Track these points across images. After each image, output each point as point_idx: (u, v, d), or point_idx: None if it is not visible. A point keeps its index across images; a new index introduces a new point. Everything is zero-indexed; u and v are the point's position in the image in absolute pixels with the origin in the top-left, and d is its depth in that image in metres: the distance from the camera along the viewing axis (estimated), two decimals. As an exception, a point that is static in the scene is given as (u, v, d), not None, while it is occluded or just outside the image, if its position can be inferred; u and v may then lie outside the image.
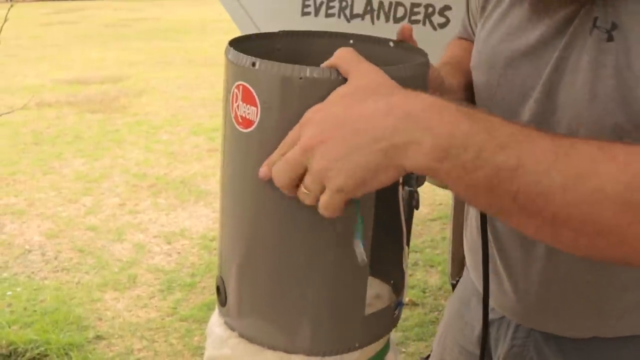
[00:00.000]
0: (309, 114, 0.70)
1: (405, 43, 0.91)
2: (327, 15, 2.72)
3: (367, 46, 0.90)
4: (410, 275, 3.79)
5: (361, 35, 0.93)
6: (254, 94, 0.73)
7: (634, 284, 1.01)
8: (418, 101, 0.66)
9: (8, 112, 4.37)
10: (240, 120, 0.76)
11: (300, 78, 0.71)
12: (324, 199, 0.69)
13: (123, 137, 6.86)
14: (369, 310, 0.85)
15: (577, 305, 1.05)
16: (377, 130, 0.65)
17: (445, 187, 0.69)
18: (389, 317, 0.87)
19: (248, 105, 0.74)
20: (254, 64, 0.73)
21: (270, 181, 0.74)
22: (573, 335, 1.08)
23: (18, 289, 3.77)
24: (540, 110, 0.95)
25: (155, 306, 3.61)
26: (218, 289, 0.88)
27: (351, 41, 0.92)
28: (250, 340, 0.85)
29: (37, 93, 8.63)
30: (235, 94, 0.76)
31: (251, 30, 3.02)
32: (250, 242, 0.82)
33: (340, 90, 0.70)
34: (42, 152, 6.33)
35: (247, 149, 0.76)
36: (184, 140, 6.76)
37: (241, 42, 0.84)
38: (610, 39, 0.86)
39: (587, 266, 1.01)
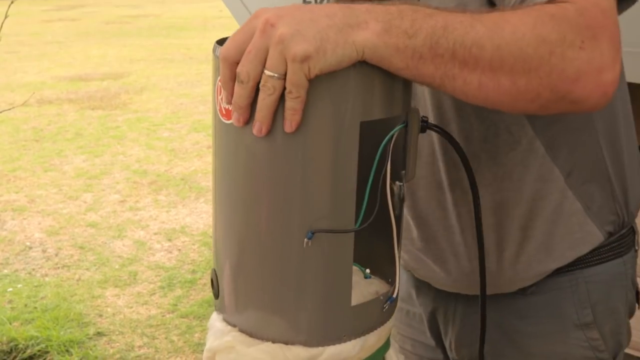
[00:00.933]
0: (254, 14, 0.73)
1: None
2: None
3: None
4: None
5: None
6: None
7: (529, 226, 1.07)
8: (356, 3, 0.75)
9: (8, 109, 4.37)
10: (224, 112, 0.78)
11: None
12: (287, 77, 0.71)
13: (124, 134, 6.87)
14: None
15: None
16: (329, 10, 0.72)
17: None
18: (378, 310, 0.87)
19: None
20: None
21: (258, 173, 0.76)
22: (503, 290, 1.13)
23: (19, 286, 3.77)
24: None
25: (156, 303, 3.62)
26: (212, 282, 0.89)
27: None
28: (244, 332, 0.85)
29: (38, 90, 8.64)
30: (219, 87, 0.78)
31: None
32: (241, 235, 0.83)
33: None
34: (43, 149, 6.34)
35: (232, 140, 0.78)
36: (185, 137, 6.77)
37: None
38: None
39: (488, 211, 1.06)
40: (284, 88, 0.71)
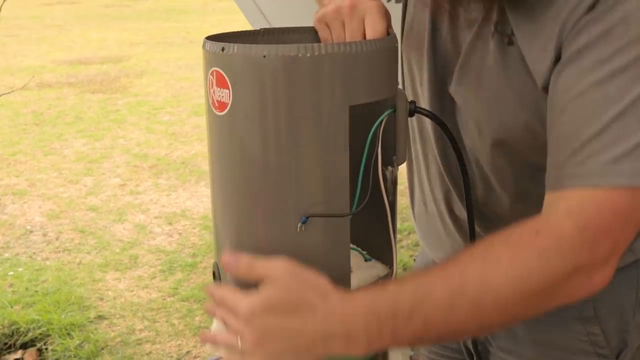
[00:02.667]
0: (262, 298, 0.78)
1: None
2: None
3: None
4: (411, 256, 3.80)
5: None
6: (225, 77, 0.78)
7: None
8: (336, 310, 0.77)
9: (8, 93, 4.36)
10: (216, 105, 0.80)
11: (264, 56, 0.74)
12: None
13: (124, 117, 6.85)
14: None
15: None
16: (306, 334, 0.77)
17: None
18: None
19: (222, 89, 0.78)
20: (223, 49, 0.77)
21: (251, 161, 0.78)
22: None
23: (20, 269, 3.78)
24: (459, 100, 1.01)
25: (157, 286, 3.62)
26: (214, 274, 0.91)
27: None
28: None
29: (38, 74, 8.62)
30: (210, 80, 0.80)
31: (259, 19, 3.01)
32: (238, 223, 0.84)
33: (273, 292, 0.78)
34: (43, 133, 6.33)
35: (225, 130, 0.80)
36: (185, 120, 6.75)
37: (224, 38, 0.88)
38: (510, 42, 0.90)
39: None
40: None
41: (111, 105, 7.31)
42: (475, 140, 1.01)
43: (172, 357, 2.98)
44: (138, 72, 8.85)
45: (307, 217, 0.78)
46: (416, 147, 1.16)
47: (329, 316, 0.76)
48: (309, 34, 0.95)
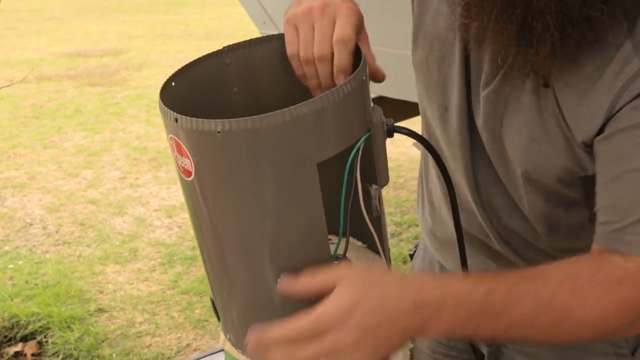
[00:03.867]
0: (344, 299, 0.75)
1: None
2: None
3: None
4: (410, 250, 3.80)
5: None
6: (184, 147, 0.74)
7: None
8: (428, 290, 0.79)
9: (7, 85, 4.36)
10: (182, 170, 0.77)
11: (219, 132, 0.69)
12: None
13: (123, 110, 6.84)
14: None
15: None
16: (404, 333, 0.77)
17: None
18: None
19: (183, 157, 0.75)
20: (176, 120, 0.72)
21: (226, 224, 0.77)
22: None
23: (20, 262, 3.78)
24: (491, 147, 1.01)
25: (157, 279, 3.63)
26: (212, 302, 0.92)
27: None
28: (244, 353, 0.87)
29: (37, 66, 8.60)
30: (172, 145, 0.76)
31: (259, 12, 3.00)
32: (221, 278, 0.84)
33: (354, 290, 0.76)
34: (43, 126, 6.32)
35: (193, 195, 0.78)
36: (185, 113, 6.74)
37: (188, 70, 0.85)
38: (546, 84, 0.90)
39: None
40: None
41: (111, 98, 7.30)
42: (508, 173, 1.02)
43: (172, 349, 2.98)
44: (137, 65, 8.84)
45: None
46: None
47: (424, 289, 0.79)
48: (277, 42, 0.91)
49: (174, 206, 4.57)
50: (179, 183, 0.83)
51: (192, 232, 3.62)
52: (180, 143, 0.74)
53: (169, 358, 2.92)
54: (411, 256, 1.51)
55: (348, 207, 0.79)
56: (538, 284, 0.83)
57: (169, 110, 0.74)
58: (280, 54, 0.86)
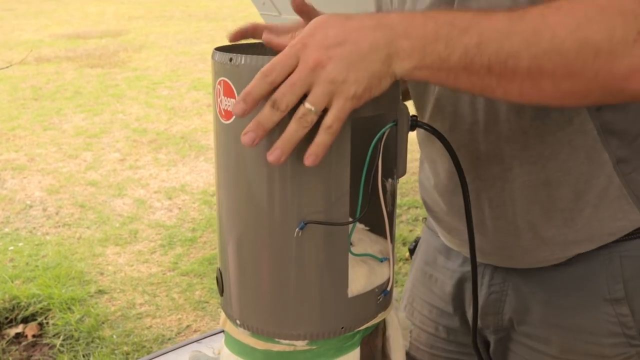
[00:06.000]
0: (301, 40, 0.74)
1: None
2: None
3: None
4: (410, 231, 3.81)
5: None
6: (232, 86, 0.79)
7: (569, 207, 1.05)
8: (393, 15, 0.78)
9: (6, 67, 4.34)
10: (223, 113, 0.81)
11: None
12: (332, 113, 0.73)
13: (123, 92, 6.83)
14: (369, 266, 0.88)
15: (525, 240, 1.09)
16: (373, 43, 0.74)
17: None
18: (373, 302, 0.90)
19: (229, 98, 0.80)
20: (230, 60, 0.79)
21: (255, 170, 0.79)
22: (534, 266, 1.12)
23: (20, 244, 3.79)
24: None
25: (157, 261, 3.64)
26: (217, 280, 0.92)
27: None
28: (246, 327, 0.89)
29: (36, 48, 8.58)
30: (218, 89, 0.81)
31: (267, 5, 2.99)
32: (240, 229, 0.86)
33: (321, 18, 0.76)
34: (42, 108, 6.31)
35: (230, 139, 0.82)
36: (184, 95, 6.73)
37: (230, 49, 0.89)
38: None
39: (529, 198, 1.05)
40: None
41: (110, 79, 7.28)
42: None
43: (172, 331, 2.99)
44: (137, 47, 8.81)
45: (306, 223, 0.80)
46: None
47: (388, 15, 0.78)
48: None
49: (173, 188, 4.57)
50: (214, 135, 0.87)
51: (192, 214, 3.65)
52: (230, 83, 0.79)
53: (169, 339, 2.93)
54: (411, 251, 1.50)
55: (368, 192, 0.82)
56: (510, 11, 0.78)
57: (222, 53, 0.81)
58: None
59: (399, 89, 0.85)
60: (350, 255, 0.84)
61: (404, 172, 0.87)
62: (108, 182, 4.67)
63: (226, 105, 0.80)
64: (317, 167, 0.76)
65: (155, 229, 3.99)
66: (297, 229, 0.80)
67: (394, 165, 0.86)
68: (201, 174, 4.81)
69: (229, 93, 0.79)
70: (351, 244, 0.88)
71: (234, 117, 0.79)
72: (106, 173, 4.84)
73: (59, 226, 4.04)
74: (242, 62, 0.78)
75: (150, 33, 9.64)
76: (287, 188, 0.80)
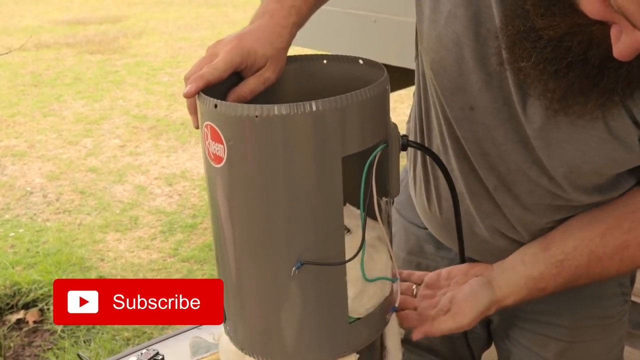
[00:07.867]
0: None
1: (371, 60, 0.93)
2: None
3: (339, 64, 0.97)
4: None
5: (332, 55, 0.97)
6: (219, 132, 0.78)
7: None
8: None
9: (6, 53, 4.32)
10: (212, 157, 0.81)
11: (256, 116, 0.75)
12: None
13: (123, 78, 6.82)
14: (373, 259, 0.89)
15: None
16: None
17: None
18: (381, 321, 0.92)
19: (216, 143, 0.79)
20: (215, 106, 0.78)
21: (248, 210, 0.80)
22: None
23: (20, 231, 3.79)
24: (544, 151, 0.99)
25: (157, 247, 3.64)
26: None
27: (325, 61, 0.97)
28: (247, 352, 0.90)
29: (35, 34, 8.55)
30: (205, 132, 0.81)
31: None
32: (237, 276, 0.87)
33: None
34: (42, 94, 6.30)
35: (221, 182, 0.82)
36: (184, 81, 6.71)
37: (219, 84, 0.90)
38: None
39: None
40: None
41: (110, 66, 7.26)
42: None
43: (173, 317, 3.00)
44: (137, 33, 8.78)
45: (302, 264, 0.80)
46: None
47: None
48: (302, 63, 0.98)
49: (174, 174, 4.57)
50: (204, 174, 0.87)
51: (192, 200, 3.63)
52: (217, 129, 0.79)
53: (169, 325, 2.94)
54: None
55: (365, 214, 0.82)
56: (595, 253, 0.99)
57: (208, 97, 0.80)
58: (304, 72, 0.96)
59: (389, 116, 0.85)
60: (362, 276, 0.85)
61: (397, 192, 0.88)
62: (108, 169, 4.67)
63: (214, 149, 0.80)
64: (311, 206, 0.78)
65: (155, 215, 3.99)
66: (293, 269, 0.80)
67: (387, 184, 0.87)
68: (201, 160, 4.80)
69: (216, 138, 0.79)
70: (348, 230, 0.88)
71: (223, 162, 0.79)
72: (106, 159, 4.83)
73: (60, 212, 4.04)
74: (227, 110, 0.77)
75: (150, 19, 9.61)
76: (281, 227, 0.80)
